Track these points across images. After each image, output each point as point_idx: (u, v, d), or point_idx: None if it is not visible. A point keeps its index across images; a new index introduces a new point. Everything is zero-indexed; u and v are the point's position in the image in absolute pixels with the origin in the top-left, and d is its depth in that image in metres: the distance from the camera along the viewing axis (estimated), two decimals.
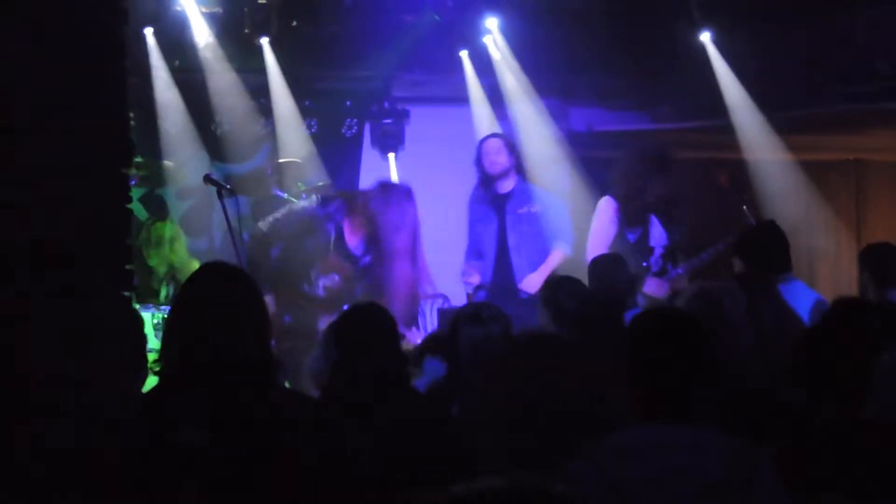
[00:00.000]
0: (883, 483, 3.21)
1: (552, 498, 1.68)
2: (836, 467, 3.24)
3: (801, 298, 5.67)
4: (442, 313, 7.73)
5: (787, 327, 4.88)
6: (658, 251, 7.69)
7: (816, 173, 10.07)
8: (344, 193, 7.62)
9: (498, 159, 7.92)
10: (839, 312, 3.55)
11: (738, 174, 9.12)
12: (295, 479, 3.12)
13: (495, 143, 8.04)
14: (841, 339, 3.44)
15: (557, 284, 5.82)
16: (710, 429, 3.04)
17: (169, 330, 3.40)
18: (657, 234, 7.75)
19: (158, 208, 8.62)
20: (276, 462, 3.10)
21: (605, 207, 7.73)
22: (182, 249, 8.43)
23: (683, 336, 3.11)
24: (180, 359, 3.25)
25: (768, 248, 5.92)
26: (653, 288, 7.46)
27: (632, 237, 7.69)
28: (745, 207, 7.80)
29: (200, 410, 3.12)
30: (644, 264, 7.56)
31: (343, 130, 9.69)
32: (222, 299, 3.31)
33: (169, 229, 8.47)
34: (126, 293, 3.03)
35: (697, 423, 3.05)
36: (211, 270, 3.54)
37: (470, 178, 8.10)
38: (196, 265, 7.97)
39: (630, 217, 7.67)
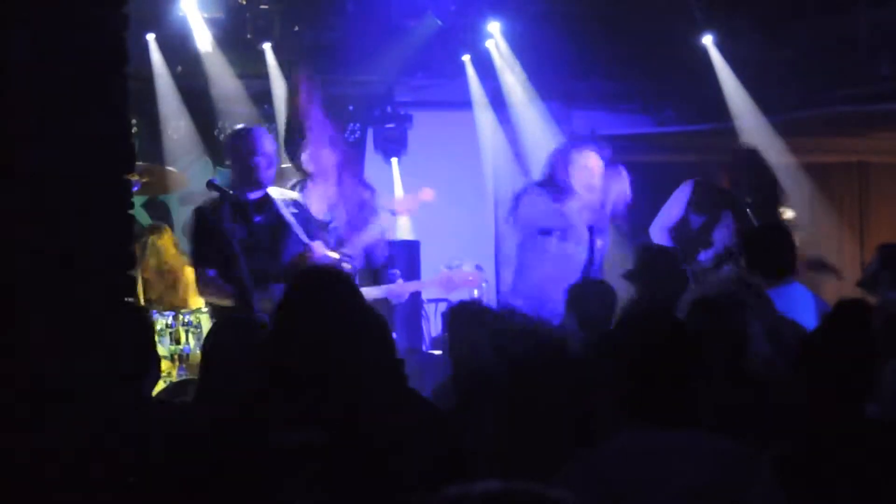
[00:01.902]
0: (887, 485, 3.20)
1: (547, 502, 1.68)
2: (839, 470, 3.23)
3: (800, 302, 5.64)
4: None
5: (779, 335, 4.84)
6: (718, 248, 7.56)
7: (819, 176, 10.06)
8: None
9: (597, 184, 6.99)
10: (841, 315, 3.54)
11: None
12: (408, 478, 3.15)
13: (598, 164, 7.04)
14: (843, 340, 3.43)
15: (582, 288, 5.78)
16: (706, 432, 3.03)
17: (281, 332, 3.42)
18: (724, 232, 7.65)
19: (161, 215, 8.62)
20: (391, 461, 3.13)
21: (681, 188, 7.55)
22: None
23: (673, 339, 3.09)
24: (294, 361, 3.28)
25: (768, 251, 5.89)
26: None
27: (695, 223, 7.59)
28: (748, 210, 7.78)
29: (315, 411, 3.15)
30: (700, 257, 7.46)
31: (346, 135, 9.69)
32: (332, 303, 3.36)
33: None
34: (128, 299, 3.03)
35: (693, 426, 3.03)
36: (320, 273, 3.59)
37: (472, 182, 8.06)
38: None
39: (699, 202, 7.50)
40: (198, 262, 6.39)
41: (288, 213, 6.43)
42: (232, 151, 6.44)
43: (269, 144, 6.38)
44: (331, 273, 3.77)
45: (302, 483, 3.05)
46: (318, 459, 3.08)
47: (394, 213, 6.73)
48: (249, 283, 6.02)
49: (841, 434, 3.31)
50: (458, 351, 4.54)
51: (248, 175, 6.33)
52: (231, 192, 6.37)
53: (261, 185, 6.36)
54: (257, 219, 6.37)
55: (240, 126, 6.69)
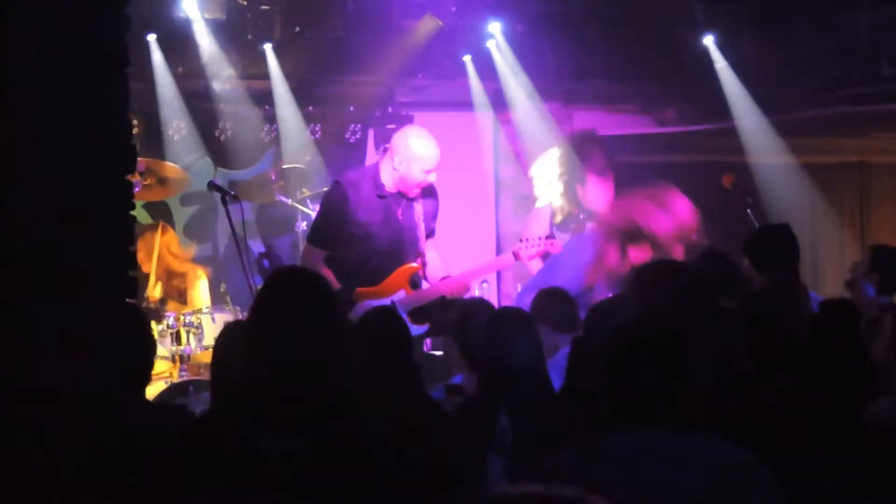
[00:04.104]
0: (886, 484, 3.19)
1: None
2: (840, 470, 3.21)
3: None
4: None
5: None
6: None
7: (820, 176, 10.06)
8: None
9: None
10: (840, 314, 3.53)
11: (742, 177, 9.11)
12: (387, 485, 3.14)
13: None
14: (842, 340, 3.42)
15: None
16: (703, 436, 2.96)
17: (256, 339, 3.39)
18: None
19: (162, 215, 8.62)
20: (368, 469, 3.11)
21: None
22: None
23: (661, 338, 3.05)
24: (268, 370, 3.24)
25: (772, 249, 5.88)
26: None
27: None
28: (749, 210, 7.78)
29: (293, 420, 3.13)
30: None
31: (346, 136, 9.68)
32: (307, 308, 3.32)
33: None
34: (129, 299, 3.04)
35: (689, 428, 2.97)
36: (292, 278, 3.55)
37: (473, 182, 8.05)
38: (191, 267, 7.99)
39: None
40: (311, 237, 6.47)
41: (420, 212, 6.45)
42: (407, 156, 6.37)
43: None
44: (305, 274, 3.71)
45: (287, 491, 3.03)
46: (302, 467, 3.05)
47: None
48: (355, 273, 6.16)
49: (835, 435, 3.28)
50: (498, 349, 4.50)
51: (411, 182, 6.37)
52: (231, 192, 6.40)
53: (417, 191, 6.42)
54: (399, 212, 6.42)
55: (422, 132, 6.62)
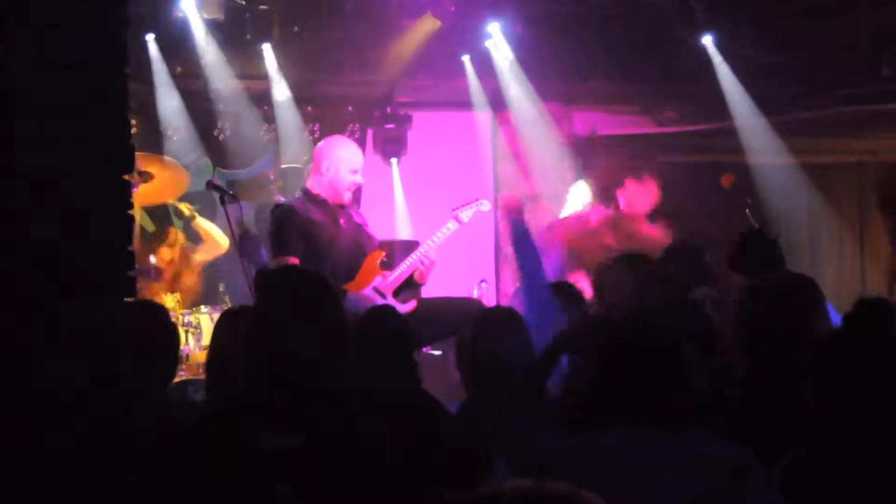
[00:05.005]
0: None
1: (579, 502, 1.66)
2: (859, 476, 3.16)
3: None
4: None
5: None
6: None
7: (819, 176, 10.06)
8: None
9: None
10: (860, 314, 3.49)
11: (741, 178, 9.11)
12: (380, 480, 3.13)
13: None
14: (862, 340, 3.37)
15: None
16: (700, 435, 2.93)
17: (255, 337, 3.38)
18: None
19: (161, 216, 8.61)
20: (367, 468, 3.11)
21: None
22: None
23: (661, 335, 3.02)
24: (267, 367, 3.25)
25: (758, 256, 5.89)
26: None
27: None
28: (748, 211, 7.78)
29: (289, 417, 3.13)
30: None
31: (345, 136, 9.67)
32: (307, 309, 3.32)
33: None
34: (129, 299, 3.03)
35: (686, 427, 2.94)
36: (293, 278, 3.56)
37: (472, 183, 8.03)
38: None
39: None
40: (280, 251, 6.56)
41: (358, 218, 6.85)
42: (332, 158, 6.70)
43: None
44: (305, 273, 3.74)
45: (285, 489, 3.03)
46: (301, 465, 3.05)
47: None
48: (331, 275, 6.26)
49: (861, 437, 3.23)
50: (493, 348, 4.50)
51: (340, 184, 6.66)
52: (230, 192, 6.46)
53: (348, 195, 6.73)
54: (342, 220, 6.69)
55: (343, 138, 7.05)
